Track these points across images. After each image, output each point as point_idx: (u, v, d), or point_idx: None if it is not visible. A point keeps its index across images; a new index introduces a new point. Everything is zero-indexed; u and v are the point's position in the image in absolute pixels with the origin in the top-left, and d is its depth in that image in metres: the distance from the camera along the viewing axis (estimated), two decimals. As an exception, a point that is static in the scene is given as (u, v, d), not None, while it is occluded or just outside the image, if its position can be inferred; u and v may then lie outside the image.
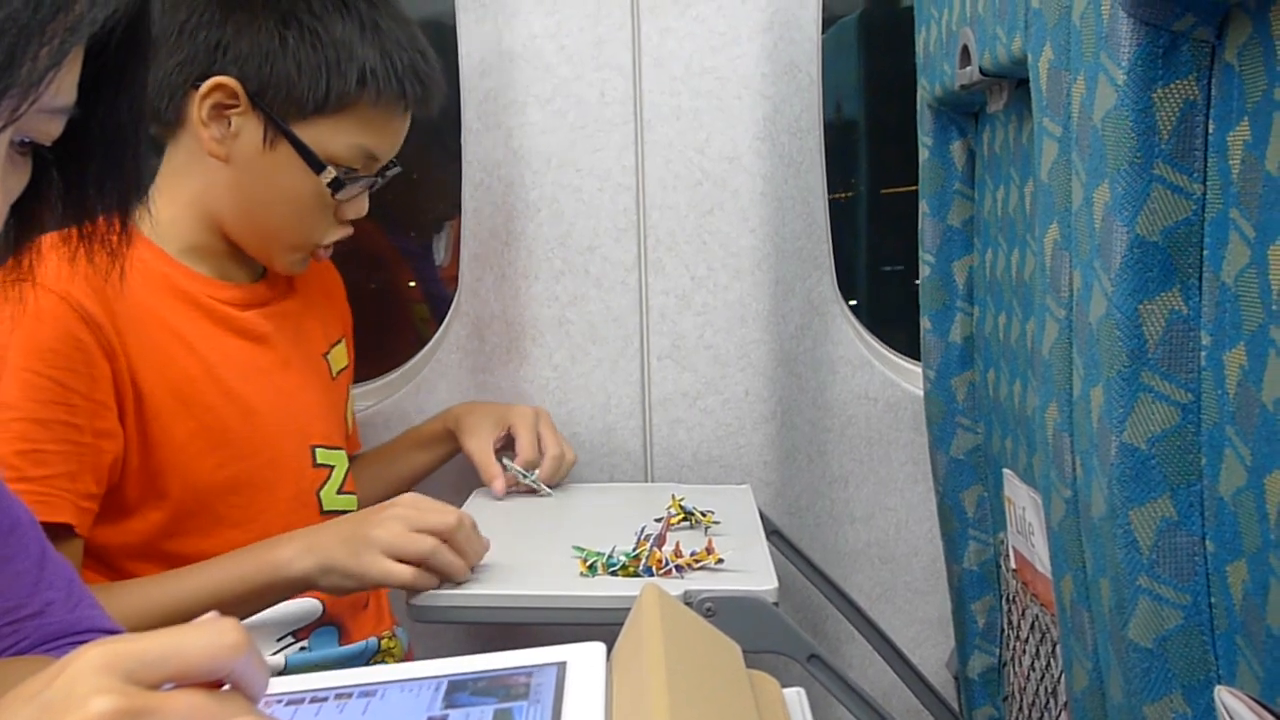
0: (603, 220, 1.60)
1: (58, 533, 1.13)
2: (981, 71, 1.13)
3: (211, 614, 0.54)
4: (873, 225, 2.01)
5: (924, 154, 1.41)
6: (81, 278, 1.16)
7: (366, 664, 1.35)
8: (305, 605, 1.34)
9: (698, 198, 1.59)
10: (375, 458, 1.59)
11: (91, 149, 0.72)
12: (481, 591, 1.09)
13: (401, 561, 1.14)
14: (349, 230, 1.37)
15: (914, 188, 1.47)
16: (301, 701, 0.65)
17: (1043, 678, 1.23)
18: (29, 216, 0.75)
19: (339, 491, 1.39)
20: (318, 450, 1.38)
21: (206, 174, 1.30)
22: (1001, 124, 1.24)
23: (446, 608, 1.10)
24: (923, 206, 1.42)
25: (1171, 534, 0.77)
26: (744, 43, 1.56)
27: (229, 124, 1.28)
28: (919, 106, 1.42)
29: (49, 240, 1.05)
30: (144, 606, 1.17)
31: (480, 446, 1.51)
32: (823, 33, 1.62)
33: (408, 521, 1.16)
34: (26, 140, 0.68)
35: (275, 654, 1.34)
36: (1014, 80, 1.15)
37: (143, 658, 0.50)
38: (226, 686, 0.53)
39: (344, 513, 1.34)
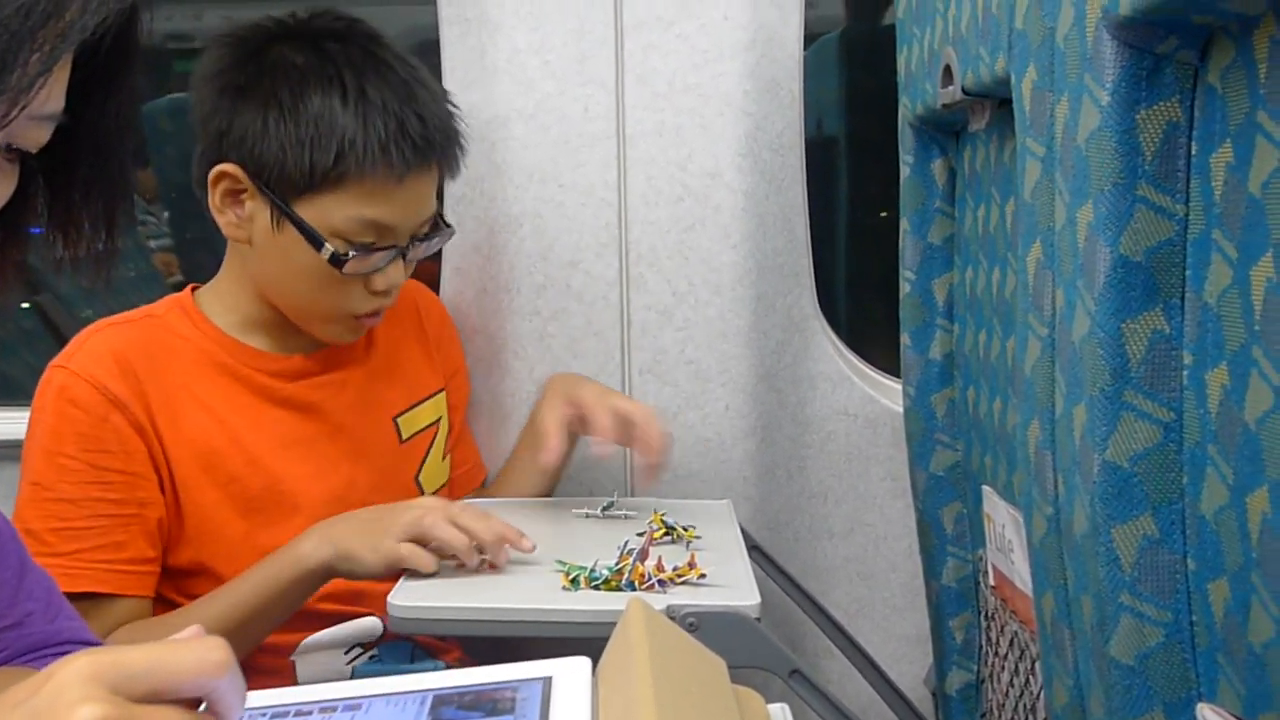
0: (584, 235, 1.60)
1: (87, 603, 1.23)
2: (964, 91, 1.14)
3: (195, 628, 0.54)
4: (852, 242, 2.02)
5: (905, 172, 1.42)
6: (111, 360, 1.29)
7: None
8: (365, 625, 1.37)
9: (679, 213, 1.59)
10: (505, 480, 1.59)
11: (79, 156, 0.72)
12: (463, 604, 1.09)
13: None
14: (386, 300, 1.37)
15: (879, 212, 1.48)
16: (286, 715, 0.65)
17: (1021, 694, 1.23)
18: (14, 224, 0.74)
19: None
20: None
21: (245, 253, 1.36)
22: (983, 143, 1.25)
23: (428, 620, 1.10)
24: (903, 224, 1.43)
25: (1153, 551, 0.77)
26: (726, 60, 1.57)
27: (243, 208, 1.32)
28: (900, 125, 1.43)
29: (88, 331, 1.26)
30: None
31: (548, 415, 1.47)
32: (804, 50, 1.63)
33: (439, 511, 1.20)
34: (14, 148, 0.67)
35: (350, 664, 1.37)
36: (996, 100, 1.16)
37: (129, 670, 0.50)
38: (203, 707, 0.53)
39: None
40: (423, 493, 1.47)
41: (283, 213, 1.29)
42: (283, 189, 1.29)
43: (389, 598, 1.11)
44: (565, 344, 1.61)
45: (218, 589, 1.29)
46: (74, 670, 0.50)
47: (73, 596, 1.06)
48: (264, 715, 0.65)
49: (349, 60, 1.31)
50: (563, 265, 1.60)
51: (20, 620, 0.88)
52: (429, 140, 1.31)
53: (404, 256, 1.35)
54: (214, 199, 1.32)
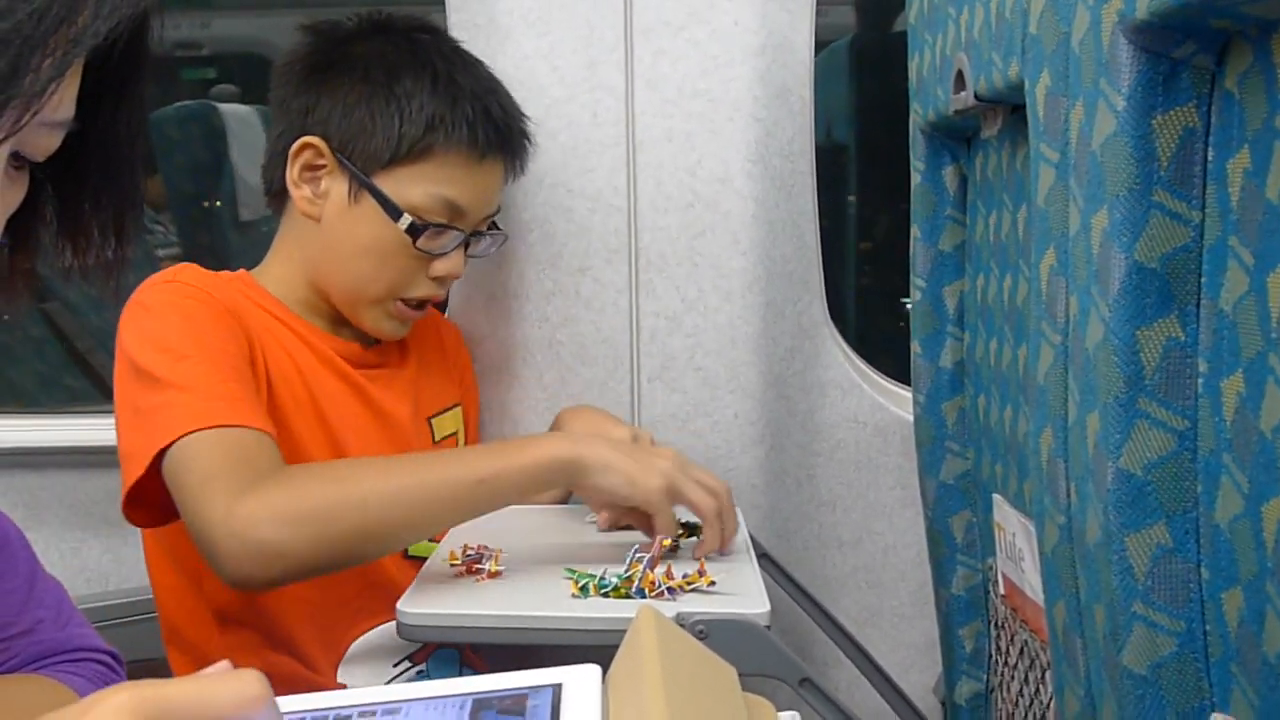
0: (594, 241, 1.60)
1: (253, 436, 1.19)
2: (976, 97, 1.14)
3: (224, 664, 0.54)
4: (862, 249, 2.02)
5: (916, 179, 1.42)
6: (212, 283, 1.32)
7: None
8: None
9: (689, 220, 1.59)
10: None
11: (89, 164, 0.72)
12: (474, 611, 1.09)
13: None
14: (441, 290, 1.41)
15: (888, 219, 1.47)
16: (325, 719, 0.64)
17: (1031, 704, 1.23)
18: (24, 234, 0.74)
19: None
20: None
21: (304, 235, 1.39)
22: (995, 149, 1.24)
23: (437, 627, 1.10)
24: (914, 231, 1.42)
25: (1167, 561, 0.77)
26: (736, 66, 1.57)
27: (319, 184, 1.36)
28: (911, 131, 1.42)
29: (173, 269, 1.27)
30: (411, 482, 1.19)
31: None
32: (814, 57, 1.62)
33: (688, 469, 1.24)
34: (23, 155, 0.67)
35: (390, 681, 1.35)
36: (1008, 106, 1.15)
37: (170, 704, 0.50)
38: None
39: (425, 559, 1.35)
40: None
41: (363, 184, 1.34)
42: (366, 161, 1.34)
43: (398, 605, 1.10)
44: (574, 350, 1.60)
45: (421, 455, 1.29)
46: (114, 704, 0.49)
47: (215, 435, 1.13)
48: (304, 719, 0.64)
49: (438, 51, 1.39)
50: (572, 272, 1.60)
51: (31, 627, 0.88)
52: (509, 128, 1.41)
53: (466, 247, 1.40)
54: (292, 173, 1.36)
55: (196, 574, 1.32)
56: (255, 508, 1.10)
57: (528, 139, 1.46)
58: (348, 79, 1.35)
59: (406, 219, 1.33)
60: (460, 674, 1.38)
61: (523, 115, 1.46)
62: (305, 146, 1.35)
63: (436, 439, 1.50)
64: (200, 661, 1.31)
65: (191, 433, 1.16)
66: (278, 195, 1.41)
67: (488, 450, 1.25)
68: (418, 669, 1.38)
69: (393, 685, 0.68)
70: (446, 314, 1.66)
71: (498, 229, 1.46)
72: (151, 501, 1.22)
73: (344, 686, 1.33)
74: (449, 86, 1.36)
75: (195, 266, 1.35)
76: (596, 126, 1.58)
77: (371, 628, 1.36)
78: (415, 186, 1.34)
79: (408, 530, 1.19)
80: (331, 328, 1.42)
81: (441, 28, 1.46)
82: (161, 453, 1.17)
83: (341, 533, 1.12)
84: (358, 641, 1.36)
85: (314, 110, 1.35)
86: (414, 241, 1.34)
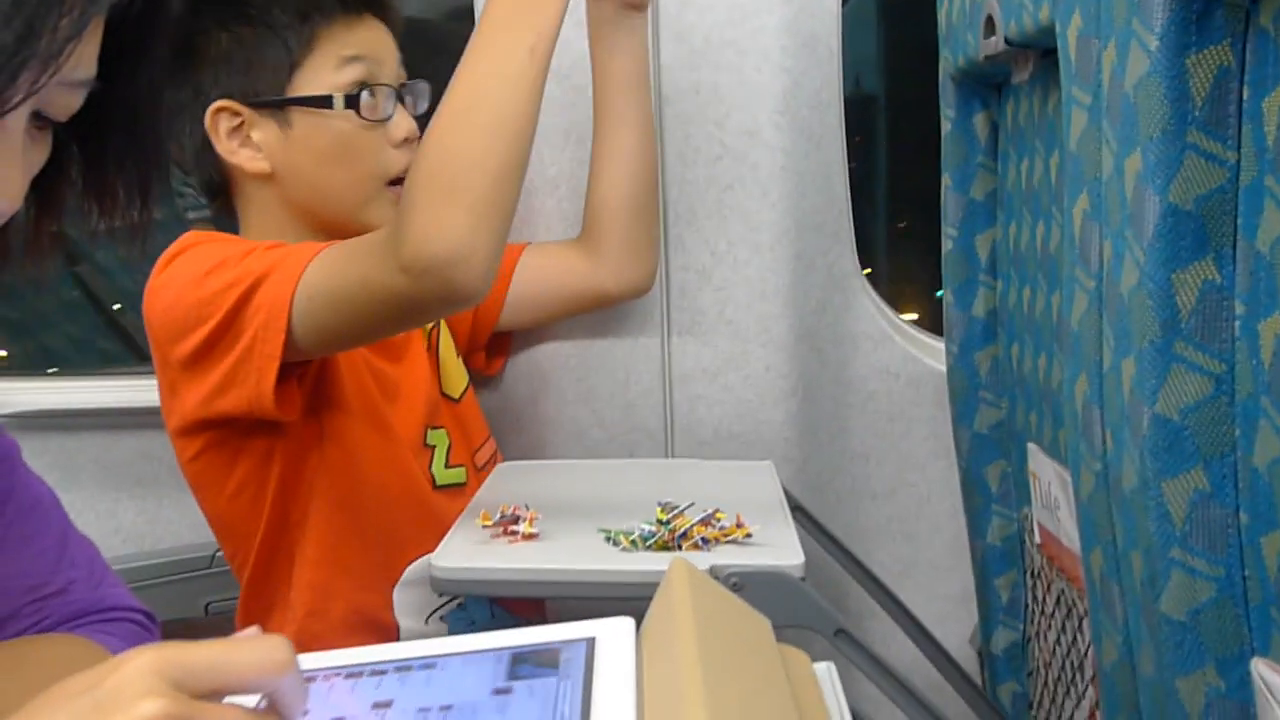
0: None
1: None
2: (1007, 41, 1.12)
3: (254, 629, 0.55)
4: (893, 198, 2.00)
5: (946, 126, 1.40)
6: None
7: None
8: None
9: (717, 173, 1.58)
10: None
11: (112, 124, 0.71)
12: (507, 565, 1.09)
13: None
14: (410, 155, 1.38)
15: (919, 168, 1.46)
16: (360, 675, 0.64)
17: (1069, 652, 1.22)
18: (49, 194, 0.74)
19: (446, 466, 1.46)
20: (428, 431, 1.46)
21: (268, 198, 1.38)
22: (1026, 95, 1.23)
23: (472, 580, 1.10)
24: (945, 180, 1.41)
25: (1205, 506, 0.76)
26: (764, 15, 1.55)
27: (251, 139, 1.35)
28: (941, 79, 1.41)
29: None
30: None
31: None
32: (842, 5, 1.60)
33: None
34: (45, 116, 0.67)
35: (436, 612, 1.36)
36: (1040, 50, 1.14)
37: (193, 667, 0.51)
38: (264, 704, 0.54)
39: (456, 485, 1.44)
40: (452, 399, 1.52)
41: (285, 104, 1.33)
42: (272, 89, 1.33)
43: (431, 559, 1.11)
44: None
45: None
46: (138, 665, 0.50)
47: None
48: (339, 674, 0.65)
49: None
50: (600, 227, 1.59)
51: (64, 587, 0.89)
52: None
53: (403, 102, 1.39)
54: (221, 146, 1.34)
55: (282, 495, 1.35)
56: (410, 244, 1.10)
57: None
58: (205, 43, 1.34)
59: (339, 98, 1.33)
60: (491, 613, 1.40)
61: None
62: (217, 112, 1.33)
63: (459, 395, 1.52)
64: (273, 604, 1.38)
65: (301, 275, 1.19)
66: (219, 188, 1.40)
67: (498, 31, 1.16)
68: (457, 601, 1.39)
69: (431, 640, 0.68)
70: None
71: (416, 80, 1.43)
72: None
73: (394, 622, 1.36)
74: None
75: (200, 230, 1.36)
76: (623, 80, 1.57)
77: (419, 556, 1.38)
78: (322, 72, 1.33)
79: (516, 143, 1.14)
80: None
81: None
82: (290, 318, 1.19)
83: (480, 194, 1.11)
84: (408, 570, 1.37)
85: (198, 89, 1.34)
86: (358, 113, 1.34)
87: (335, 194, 1.37)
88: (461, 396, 1.53)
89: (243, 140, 1.35)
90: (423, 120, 1.36)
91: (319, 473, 1.35)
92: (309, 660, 0.64)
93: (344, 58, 1.34)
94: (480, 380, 1.64)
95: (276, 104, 1.33)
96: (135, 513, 1.80)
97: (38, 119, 0.66)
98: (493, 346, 1.63)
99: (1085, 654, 1.17)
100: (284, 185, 1.37)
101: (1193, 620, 0.77)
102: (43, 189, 0.72)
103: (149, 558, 1.70)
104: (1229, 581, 0.76)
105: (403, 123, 1.38)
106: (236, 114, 1.34)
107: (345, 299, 1.18)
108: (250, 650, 0.52)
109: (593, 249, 1.53)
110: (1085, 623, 1.13)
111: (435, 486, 1.44)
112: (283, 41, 1.32)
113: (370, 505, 1.37)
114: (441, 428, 1.47)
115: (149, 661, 0.50)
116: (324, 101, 1.33)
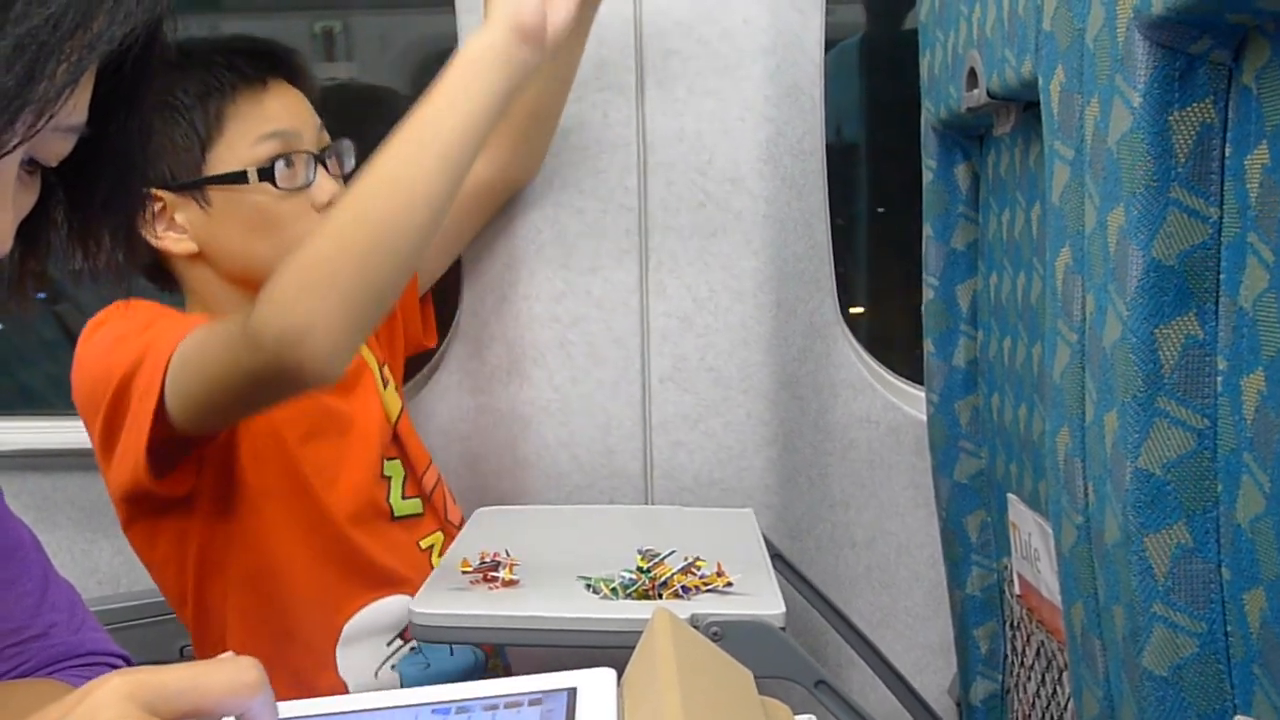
0: (605, 242, 1.59)
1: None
2: (989, 94, 1.13)
3: (228, 654, 0.55)
4: (873, 247, 2.01)
5: (928, 176, 1.41)
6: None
7: (480, 678, 1.37)
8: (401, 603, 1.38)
9: (700, 220, 1.58)
10: None
11: (100, 169, 0.71)
12: (488, 612, 1.08)
13: None
14: None
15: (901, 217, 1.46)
16: None
17: (1049, 705, 1.22)
18: (34, 236, 0.74)
19: (403, 497, 1.46)
20: (385, 462, 1.45)
21: (200, 274, 1.38)
22: (1007, 147, 1.24)
23: (452, 627, 1.09)
24: (926, 229, 1.42)
25: (1187, 561, 0.76)
26: (747, 65, 1.56)
27: (175, 222, 1.35)
28: (923, 129, 1.42)
29: None
30: None
31: None
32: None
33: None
34: (35, 160, 0.67)
35: (385, 663, 1.37)
36: (1022, 103, 1.15)
37: (164, 690, 0.51)
38: None
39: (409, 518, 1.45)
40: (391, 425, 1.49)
41: (200, 184, 1.33)
42: (187, 171, 1.33)
43: (410, 605, 1.10)
44: (585, 351, 1.60)
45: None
46: (109, 689, 0.50)
47: None
48: None
49: (163, 44, 1.35)
50: (583, 272, 1.59)
51: (44, 631, 0.88)
52: (265, 52, 1.38)
53: (324, 165, 1.38)
54: (146, 228, 1.33)
55: (200, 572, 1.35)
56: (257, 320, 1.10)
57: (291, 51, 1.42)
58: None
59: (253, 172, 1.32)
60: (452, 654, 1.40)
61: (271, 39, 1.42)
62: None
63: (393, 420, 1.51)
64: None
65: (173, 354, 1.18)
66: (156, 269, 1.40)
67: (424, 112, 1.16)
68: (410, 646, 1.39)
69: (409, 690, 0.68)
70: (458, 315, 1.66)
71: (338, 140, 1.42)
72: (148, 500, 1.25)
73: (342, 681, 1.35)
74: (195, 58, 1.34)
75: (139, 300, 1.36)
76: (607, 127, 1.57)
77: (360, 608, 1.38)
78: (238, 146, 1.33)
79: (414, 214, 1.13)
80: None
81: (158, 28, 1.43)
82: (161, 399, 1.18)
83: (351, 264, 1.10)
84: (350, 624, 1.37)
85: None
86: (274, 184, 1.33)
87: (264, 264, 1.33)
88: (397, 419, 1.52)
89: (167, 223, 1.35)
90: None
91: (233, 551, 1.35)
92: (293, 708, 0.64)
93: (258, 135, 1.33)
94: (459, 425, 1.64)
95: (192, 185, 1.33)
96: (112, 553, 1.79)
97: (28, 163, 0.66)
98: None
99: (1065, 707, 1.16)
100: (214, 262, 1.37)
101: (1175, 676, 0.76)
102: (28, 231, 0.72)
103: (125, 600, 1.68)
104: (1211, 637, 0.76)
105: (326, 185, 1.37)
106: (157, 199, 1.34)
107: (211, 374, 1.18)
108: (220, 672, 0.53)
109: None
110: (1066, 675, 1.13)
111: (393, 518, 1.44)
112: (189, 123, 1.32)
113: (297, 578, 1.36)
114: (395, 458, 1.47)
115: (121, 685, 0.50)
116: (239, 178, 1.33)
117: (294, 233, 1.34)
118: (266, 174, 1.33)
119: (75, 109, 0.64)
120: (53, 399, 2.53)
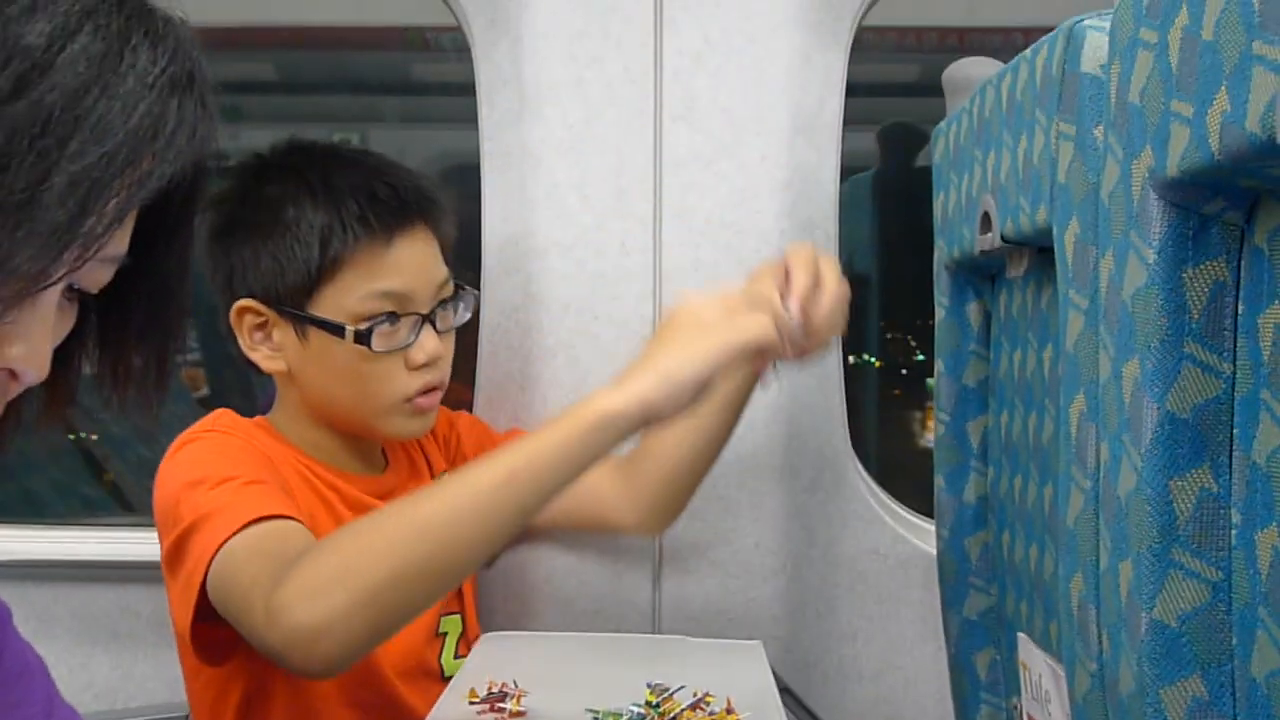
0: (619, 368, 1.60)
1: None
2: (1003, 239, 1.15)
3: None
4: (886, 382, 2.03)
5: (940, 314, 1.43)
6: (252, 429, 1.36)
7: None
8: None
9: (713, 349, 1.59)
10: None
11: (137, 298, 0.73)
12: (494, 747, 1.07)
13: None
14: (433, 375, 1.38)
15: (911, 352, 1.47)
16: None
17: None
18: (66, 364, 0.75)
19: (455, 656, 1.44)
20: (442, 618, 1.44)
21: (289, 387, 1.40)
22: (1019, 289, 1.26)
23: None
24: (938, 365, 1.43)
25: (1203, 714, 0.76)
26: (763, 199, 1.59)
27: (272, 339, 1.36)
28: (935, 267, 1.44)
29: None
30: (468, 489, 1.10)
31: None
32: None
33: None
34: (75, 288, 0.68)
35: None
36: (1035, 248, 1.17)
37: None
38: None
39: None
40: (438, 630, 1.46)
41: (301, 320, 1.33)
42: (294, 298, 1.33)
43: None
44: (597, 476, 1.60)
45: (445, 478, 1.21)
46: None
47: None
48: None
49: (310, 163, 1.37)
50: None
51: (46, 756, 0.87)
52: (404, 201, 1.35)
53: (433, 325, 1.36)
54: (244, 339, 1.36)
55: (240, 713, 1.32)
56: (285, 594, 1.05)
57: (437, 198, 1.40)
58: (243, 232, 1.34)
59: (350, 331, 1.32)
60: None
61: (421, 178, 1.41)
62: (241, 312, 1.35)
63: None
64: None
65: (227, 541, 1.15)
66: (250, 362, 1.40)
67: (516, 443, 1.12)
68: None
69: None
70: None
71: (464, 289, 1.42)
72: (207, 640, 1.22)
73: None
74: (327, 194, 1.33)
75: (230, 412, 1.37)
76: (624, 255, 1.60)
77: None
78: (347, 297, 1.32)
79: (446, 560, 1.07)
80: (353, 463, 1.43)
81: (313, 142, 1.42)
82: (205, 580, 1.16)
83: (371, 586, 1.04)
84: None
85: (231, 275, 1.35)
86: (369, 348, 1.32)
87: (345, 408, 1.38)
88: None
89: (264, 337, 1.36)
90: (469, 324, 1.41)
91: (277, 698, 1.32)
92: None
93: (369, 291, 1.32)
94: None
95: (294, 316, 1.33)
96: (109, 668, 1.77)
97: (68, 290, 0.68)
98: None
99: None
100: (301, 387, 1.38)
101: (1190, 831, 0.76)
102: (61, 355, 0.73)
103: (121, 716, 1.67)
104: (1227, 794, 0.75)
105: (427, 345, 1.35)
106: (260, 313, 1.35)
107: (235, 607, 1.14)
108: None
109: (629, 481, 1.50)
110: (1076, 821, 1.12)
111: (443, 678, 1.40)
112: (306, 259, 1.31)
113: None
114: (456, 613, 1.46)
115: None
116: (336, 330, 1.32)
117: (379, 388, 1.35)
118: (363, 338, 1.32)
119: (118, 240, 0.66)
120: (56, 505, 2.54)
